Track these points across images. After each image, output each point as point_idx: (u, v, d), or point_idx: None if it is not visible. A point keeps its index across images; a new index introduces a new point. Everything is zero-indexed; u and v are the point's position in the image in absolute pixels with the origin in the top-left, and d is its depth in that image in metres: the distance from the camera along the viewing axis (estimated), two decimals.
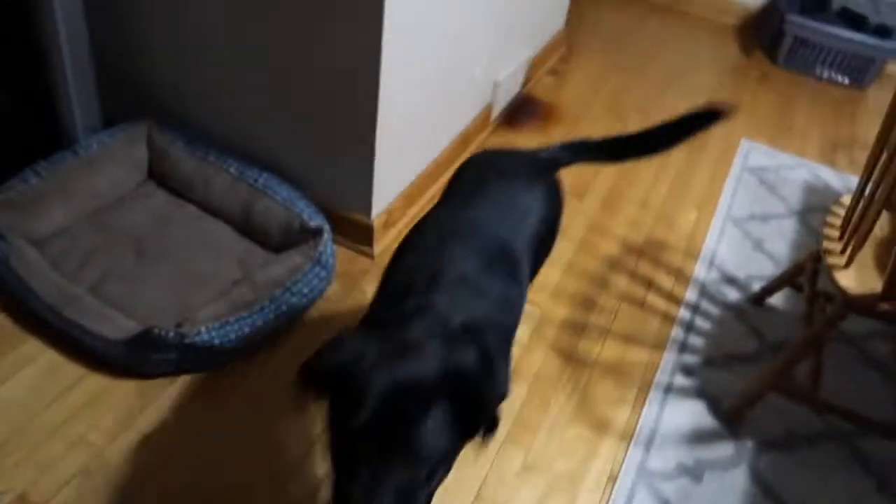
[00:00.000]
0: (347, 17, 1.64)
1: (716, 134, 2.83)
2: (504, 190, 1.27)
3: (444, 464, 0.82)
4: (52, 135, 1.98)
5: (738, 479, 1.63)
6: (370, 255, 2.03)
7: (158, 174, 2.08)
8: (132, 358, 1.58)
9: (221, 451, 1.50)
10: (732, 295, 2.12)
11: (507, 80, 2.58)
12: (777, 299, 2.09)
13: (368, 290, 1.93)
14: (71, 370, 1.60)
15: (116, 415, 1.54)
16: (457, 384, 0.80)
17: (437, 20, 1.87)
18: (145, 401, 1.58)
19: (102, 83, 2.01)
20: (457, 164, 2.39)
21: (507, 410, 1.69)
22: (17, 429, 1.48)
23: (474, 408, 0.81)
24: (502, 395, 0.86)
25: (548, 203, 1.35)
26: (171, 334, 1.55)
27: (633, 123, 2.81)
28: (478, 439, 0.87)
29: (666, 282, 2.13)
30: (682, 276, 2.15)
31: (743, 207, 2.47)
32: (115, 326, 1.63)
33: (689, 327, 1.99)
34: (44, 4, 1.74)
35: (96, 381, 1.60)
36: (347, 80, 1.75)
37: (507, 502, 1.51)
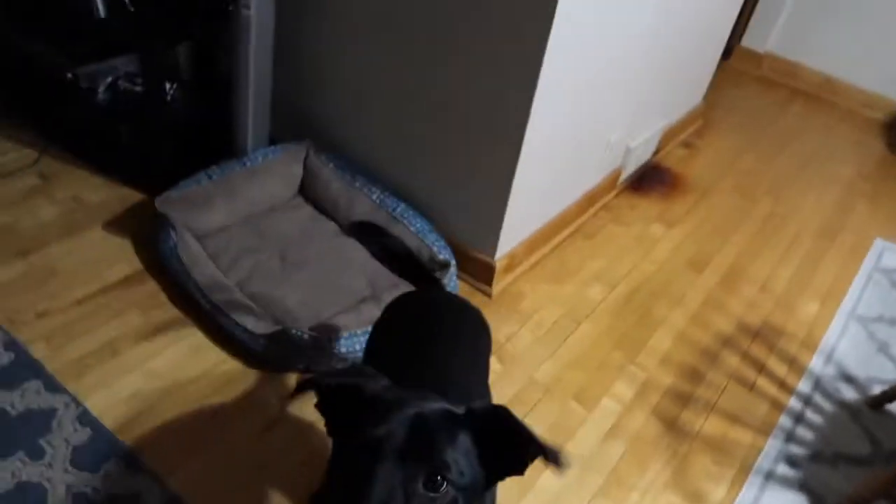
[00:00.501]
0: (505, 75, 1.78)
1: (848, 227, 2.77)
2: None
3: (467, 493, 0.78)
4: (226, 145, 2.24)
5: None
6: (488, 294, 2.13)
7: (308, 191, 2.29)
8: (269, 352, 1.75)
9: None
10: (849, 394, 2.05)
11: (639, 147, 2.65)
12: None
13: None
14: (215, 353, 1.79)
15: (247, 399, 1.70)
16: (480, 416, 0.79)
17: (584, 83, 1.98)
18: (271, 391, 1.73)
19: (274, 106, 2.26)
20: (579, 221, 2.49)
21: (603, 464, 1.72)
22: (161, 397, 1.66)
23: (508, 436, 0.78)
24: (535, 437, 0.79)
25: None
26: (306, 336, 1.70)
27: (763, 206, 2.80)
28: (549, 467, 0.82)
29: (779, 369, 2.09)
30: (796, 366, 2.11)
31: (870, 308, 2.39)
32: (257, 321, 1.81)
33: (798, 418, 1.95)
34: (241, 44, 2.00)
35: (233, 366, 1.77)
36: (495, 131, 1.88)
37: None
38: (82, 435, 1.54)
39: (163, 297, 1.92)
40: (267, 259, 2.05)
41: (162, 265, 1.93)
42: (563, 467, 0.78)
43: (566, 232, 2.44)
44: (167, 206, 1.98)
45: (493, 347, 1.96)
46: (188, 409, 1.65)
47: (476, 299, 2.11)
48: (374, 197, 2.17)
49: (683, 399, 1.94)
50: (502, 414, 0.79)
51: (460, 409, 0.80)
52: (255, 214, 2.20)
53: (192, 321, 1.86)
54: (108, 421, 1.58)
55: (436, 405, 0.79)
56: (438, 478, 0.74)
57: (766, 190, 2.92)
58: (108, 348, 1.74)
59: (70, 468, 1.47)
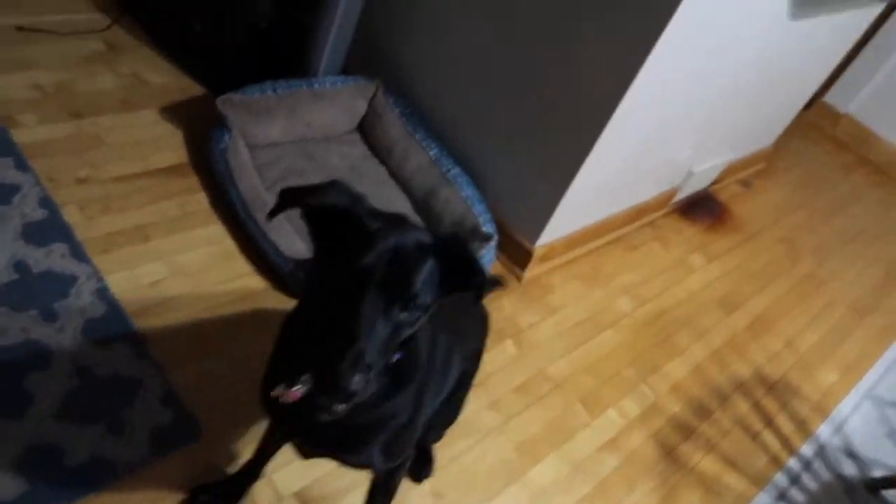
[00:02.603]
0: (600, 73, 1.73)
1: (883, 308, 2.72)
2: None
3: (427, 312, 0.89)
4: (297, 62, 2.19)
5: None
6: (519, 278, 2.10)
7: (367, 130, 2.25)
8: (294, 275, 1.72)
9: None
10: (849, 469, 2.02)
11: (701, 174, 2.59)
12: (894, 495, 1.98)
13: (506, 306, 2.00)
14: (241, 264, 1.76)
15: (264, 318, 1.68)
16: (446, 246, 0.90)
17: (670, 99, 1.92)
18: None
19: (356, 37, 2.20)
20: (623, 230, 2.44)
21: (594, 472, 1.70)
22: (182, 294, 1.64)
23: (462, 265, 0.90)
24: (483, 270, 0.93)
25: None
26: None
27: (804, 265, 2.75)
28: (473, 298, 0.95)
29: (786, 426, 2.06)
30: (803, 429, 2.08)
31: (889, 391, 2.35)
32: (289, 243, 1.78)
33: (794, 480, 1.92)
34: None
35: (257, 282, 1.74)
36: (574, 124, 1.83)
37: None
38: (98, 309, 1.52)
39: (202, 196, 1.88)
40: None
41: (209, 165, 1.90)
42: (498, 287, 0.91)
43: (608, 237, 2.40)
44: (228, 107, 1.94)
45: (513, 331, 1.94)
46: (205, 312, 1.63)
47: (507, 280, 2.08)
48: (432, 153, 2.12)
49: (686, 431, 1.91)
50: (462, 245, 0.91)
51: (429, 239, 0.89)
52: (310, 139, 2.16)
53: (226, 228, 1.83)
54: (126, 302, 1.56)
55: (411, 235, 0.87)
56: (411, 304, 0.85)
57: (812, 250, 2.86)
58: (139, 232, 1.72)
59: (80, 337, 1.45)
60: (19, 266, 1.52)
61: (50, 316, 1.47)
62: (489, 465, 1.61)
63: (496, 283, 0.99)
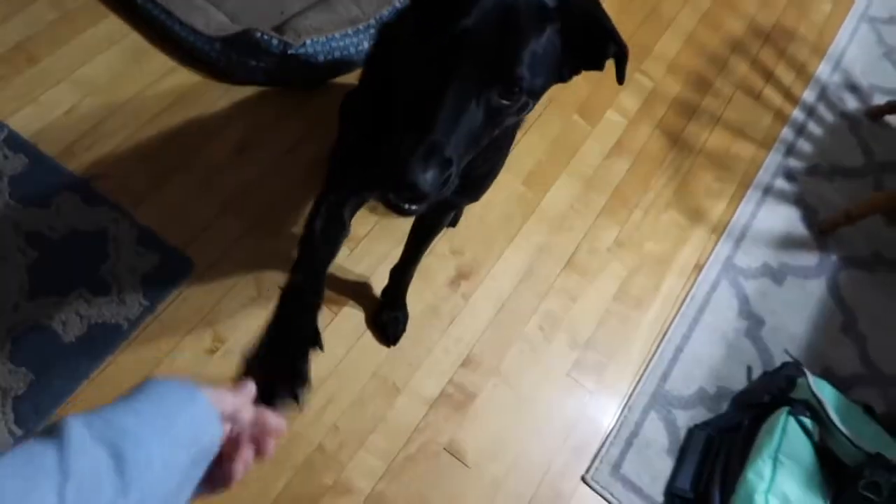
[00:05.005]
0: None
1: None
2: None
3: (535, 100, 0.72)
4: None
5: (815, 289, 1.64)
6: None
7: None
8: (226, 59, 1.44)
9: (293, 169, 1.42)
10: (851, 104, 1.96)
11: None
12: None
13: None
14: (158, 60, 1.46)
15: (208, 118, 1.44)
16: (571, 9, 0.70)
17: None
18: (234, 107, 1.46)
19: None
20: None
21: (607, 182, 1.63)
22: (105, 116, 1.38)
23: (595, 32, 0.72)
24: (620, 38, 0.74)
25: None
26: (276, 42, 1.39)
27: None
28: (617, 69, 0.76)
29: (786, 76, 1.94)
30: (803, 73, 1.97)
31: (884, 7, 2.19)
32: (207, 19, 1.46)
33: (800, 130, 1.87)
34: None
35: (185, 77, 1.46)
36: None
37: (595, 273, 1.51)
38: (16, 163, 1.27)
39: None
40: None
41: None
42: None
43: None
44: None
45: None
46: (141, 129, 1.38)
47: None
48: None
49: (689, 111, 1.80)
50: (592, 6, 0.71)
51: (553, 2, 0.69)
52: None
53: (123, 19, 1.48)
54: (47, 146, 1.31)
55: None
56: (515, 86, 0.67)
57: None
58: (19, 53, 1.38)
59: (13, 202, 1.24)
60: None
61: None
62: (502, 207, 1.52)
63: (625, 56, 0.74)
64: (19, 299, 1.17)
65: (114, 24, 1.47)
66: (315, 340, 0.78)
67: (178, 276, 1.26)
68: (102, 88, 1.40)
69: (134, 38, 1.47)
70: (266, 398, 0.63)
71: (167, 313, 1.23)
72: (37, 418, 1.09)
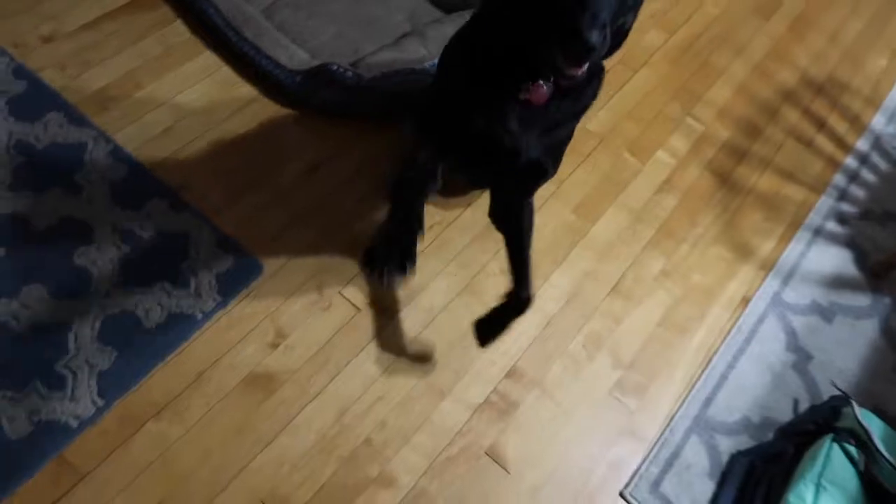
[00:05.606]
0: None
1: None
2: None
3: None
4: None
5: (867, 329, 1.64)
6: None
7: None
8: (305, 90, 1.59)
9: (358, 189, 1.55)
10: None
11: None
12: None
13: None
14: (244, 90, 1.63)
15: (287, 141, 1.59)
16: None
17: None
18: (310, 133, 1.61)
19: None
20: None
21: (655, 216, 1.69)
22: (196, 136, 1.54)
23: None
24: None
25: None
26: (350, 74, 1.54)
27: None
28: None
29: (839, 126, 1.98)
30: (857, 124, 2.00)
31: None
32: (290, 55, 1.63)
33: (853, 177, 1.89)
34: None
35: (266, 105, 1.63)
36: None
37: (640, 299, 1.56)
38: (119, 171, 1.44)
39: (179, 25, 1.70)
40: None
41: None
42: None
43: None
44: None
45: None
46: (225, 149, 1.54)
47: None
48: None
49: (739, 154, 1.85)
50: None
51: None
52: None
53: (216, 55, 1.67)
54: (144, 158, 1.47)
55: None
56: None
57: None
58: (129, 80, 1.58)
59: (112, 204, 1.40)
60: (21, 147, 1.42)
61: (74, 188, 1.40)
62: (551, 233, 1.59)
63: None
64: (110, 287, 1.31)
65: (209, 58, 1.66)
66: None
67: (249, 277, 1.38)
68: (196, 112, 1.58)
69: (225, 71, 1.65)
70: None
71: (237, 309, 1.35)
72: (116, 392, 1.21)
